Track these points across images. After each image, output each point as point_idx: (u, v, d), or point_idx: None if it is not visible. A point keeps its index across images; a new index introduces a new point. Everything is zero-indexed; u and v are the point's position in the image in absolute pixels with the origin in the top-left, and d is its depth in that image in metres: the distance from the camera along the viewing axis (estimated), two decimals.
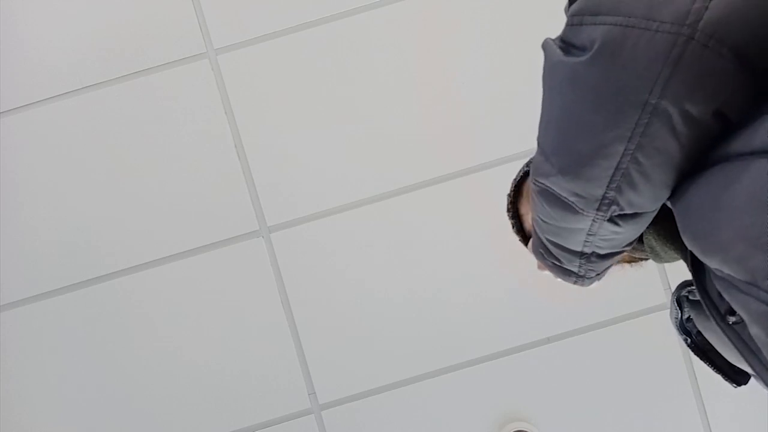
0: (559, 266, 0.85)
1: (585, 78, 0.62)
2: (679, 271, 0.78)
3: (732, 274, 0.60)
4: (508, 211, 1.12)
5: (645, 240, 0.89)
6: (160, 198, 1.75)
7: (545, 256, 0.86)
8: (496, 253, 1.75)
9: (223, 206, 1.76)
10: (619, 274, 0.99)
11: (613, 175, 0.64)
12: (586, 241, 0.74)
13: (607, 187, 0.65)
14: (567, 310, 1.77)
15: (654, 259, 0.93)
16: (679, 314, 0.88)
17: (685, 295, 0.86)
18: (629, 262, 1.02)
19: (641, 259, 1.01)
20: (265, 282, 1.76)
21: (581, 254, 0.78)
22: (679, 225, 0.68)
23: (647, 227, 0.87)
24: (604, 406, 1.80)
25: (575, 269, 0.83)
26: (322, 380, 1.78)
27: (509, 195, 1.12)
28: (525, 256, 1.12)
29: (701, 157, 0.64)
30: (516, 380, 1.79)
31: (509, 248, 1.15)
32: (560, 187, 0.69)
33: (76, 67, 1.74)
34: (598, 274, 0.86)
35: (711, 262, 0.63)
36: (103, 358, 1.77)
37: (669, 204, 0.71)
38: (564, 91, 0.64)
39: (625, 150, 0.62)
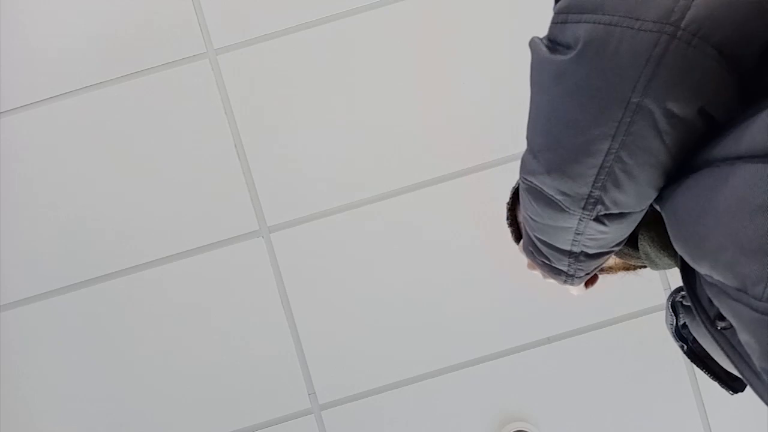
0: (549, 265, 0.85)
1: (570, 76, 0.62)
2: (679, 273, 0.78)
3: (722, 280, 0.59)
4: (507, 219, 1.11)
5: (640, 246, 0.88)
6: (160, 198, 1.75)
7: (535, 254, 0.86)
8: (496, 253, 1.75)
9: (223, 206, 1.75)
10: (617, 280, 0.98)
11: (598, 173, 0.64)
12: (574, 240, 0.74)
13: (593, 185, 0.65)
14: (567, 310, 1.77)
15: (650, 267, 0.92)
16: (675, 320, 0.87)
17: (679, 301, 0.85)
18: (627, 269, 1.01)
19: (638, 267, 1.00)
20: (265, 282, 1.76)
21: (570, 253, 0.78)
22: (669, 230, 0.68)
23: (642, 233, 0.87)
24: (604, 406, 1.80)
25: (564, 268, 0.82)
26: (322, 380, 1.78)
27: (507, 203, 1.12)
28: (524, 257, 1.12)
29: (688, 157, 0.64)
30: (516, 380, 1.79)
31: (509, 248, 1.14)
32: (547, 185, 0.69)
33: (76, 67, 1.74)
34: (588, 273, 0.85)
35: (701, 268, 0.63)
36: (102, 358, 1.77)
37: (658, 208, 0.71)
38: (550, 89, 0.64)
39: (609, 148, 0.62)
